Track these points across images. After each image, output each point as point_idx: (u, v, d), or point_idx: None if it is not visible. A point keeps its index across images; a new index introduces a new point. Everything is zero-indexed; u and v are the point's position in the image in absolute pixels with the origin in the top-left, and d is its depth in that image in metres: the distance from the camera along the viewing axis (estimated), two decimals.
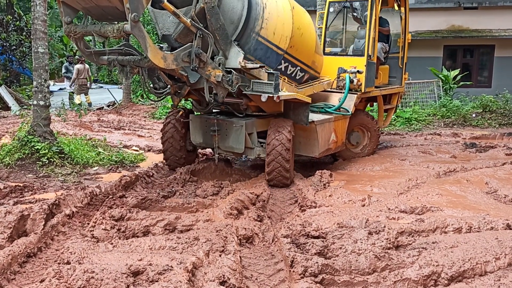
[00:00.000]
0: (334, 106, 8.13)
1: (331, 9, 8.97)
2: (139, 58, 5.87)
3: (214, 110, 7.59)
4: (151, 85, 6.91)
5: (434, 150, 9.60)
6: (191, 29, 5.77)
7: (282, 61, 6.94)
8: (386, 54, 9.41)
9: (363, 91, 8.39)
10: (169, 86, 6.93)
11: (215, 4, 5.87)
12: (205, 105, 7.28)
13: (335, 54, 9.00)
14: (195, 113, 7.69)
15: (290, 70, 7.16)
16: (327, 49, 9.12)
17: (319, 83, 8.09)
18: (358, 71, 8.28)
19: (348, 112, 8.17)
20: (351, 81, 8.26)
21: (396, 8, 9.22)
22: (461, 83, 16.06)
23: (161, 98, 7.25)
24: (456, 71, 16.21)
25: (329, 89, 8.48)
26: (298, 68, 7.29)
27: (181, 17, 5.57)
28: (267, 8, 6.58)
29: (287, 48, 6.83)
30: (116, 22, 5.50)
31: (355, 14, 8.91)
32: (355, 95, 8.32)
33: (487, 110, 13.63)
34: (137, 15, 4.97)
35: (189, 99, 7.96)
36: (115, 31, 5.23)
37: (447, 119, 13.44)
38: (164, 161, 7.88)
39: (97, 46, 16.26)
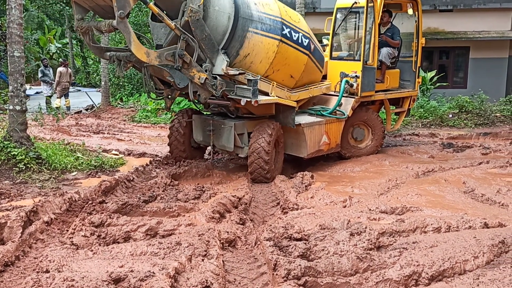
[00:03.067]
0: (330, 109, 8.38)
1: (339, 15, 9.11)
2: (130, 54, 6.47)
3: (211, 111, 8.25)
4: (153, 86, 7.47)
5: (412, 150, 9.74)
6: (179, 37, 6.40)
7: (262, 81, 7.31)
8: (394, 59, 9.53)
9: (359, 95, 8.58)
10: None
11: (199, 17, 6.44)
12: (207, 106, 7.94)
13: (341, 58, 9.17)
14: (205, 113, 8.45)
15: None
16: (335, 54, 9.29)
17: (316, 87, 8.42)
18: (356, 76, 8.45)
19: (345, 115, 8.45)
20: (351, 85, 8.51)
21: (410, 12, 9.36)
22: (438, 84, 16.35)
23: (161, 97, 7.76)
24: (433, 73, 16.50)
25: (330, 93, 8.79)
26: (280, 86, 7.69)
27: (165, 19, 6.21)
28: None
29: (263, 74, 7.28)
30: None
31: (357, 20, 9.05)
32: (353, 99, 8.58)
33: (463, 110, 13.90)
34: (123, 13, 5.73)
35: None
36: (106, 26, 6.14)
37: (424, 120, 13.66)
38: (169, 153, 8.53)
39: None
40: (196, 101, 7.03)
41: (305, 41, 7.64)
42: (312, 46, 7.87)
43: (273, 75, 7.41)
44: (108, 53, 6.92)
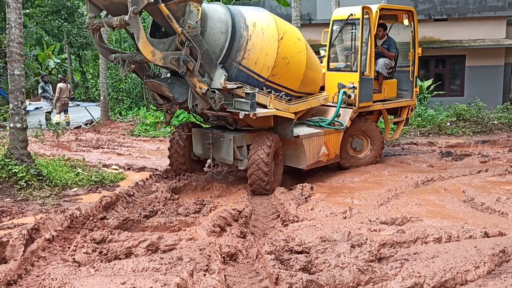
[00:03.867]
0: (328, 120, 8.45)
1: (335, 27, 9.21)
2: (135, 53, 6.72)
3: (211, 124, 8.33)
4: (154, 100, 7.69)
5: (411, 159, 9.77)
6: (180, 43, 6.52)
7: (264, 88, 7.42)
8: (391, 69, 9.61)
9: (357, 106, 8.65)
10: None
11: (197, 33, 6.62)
12: (206, 119, 8.05)
13: (338, 70, 9.25)
14: (204, 126, 8.58)
15: (275, 93, 7.57)
16: (332, 65, 9.36)
17: (314, 98, 8.50)
18: (354, 87, 8.54)
19: (343, 126, 8.51)
20: (349, 96, 8.59)
21: (406, 23, 9.47)
22: (435, 92, 16.44)
23: (161, 109, 7.86)
24: (430, 81, 16.60)
25: (328, 104, 8.85)
26: (283, 93, 7.75)
27: (173, 22, 6.35)
28: (251, 40, 7.10)
29: (268, 76, 7.37)
30: None
31: (354, 31, 9.14)
32: (351, 110, 8.65)
33: (461, 118, 13.96)
34: (136, 8, 5.94)
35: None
36: (118, 21, 6.28)
37: (422, 128, 13.71)
38: (169, 166, 8.58)
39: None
40: (194, 111, 7.12)
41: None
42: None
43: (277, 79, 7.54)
44: (113, 55, 7.06)
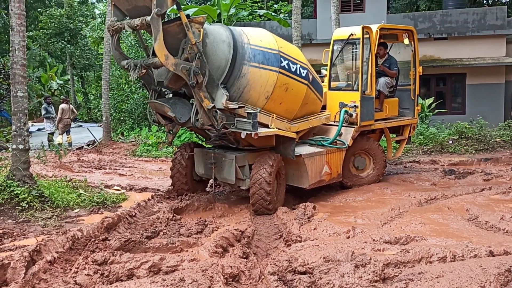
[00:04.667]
0: (330, 139, 8.45)
1: (336, 47, 9.30)
2: (147, 58, 6.91)
3: (213, 144, 8.34)
4: (155, 120, 7.79)
5: (414, 178, 9.74)
6: (179, 75, 6.60)
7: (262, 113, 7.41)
8: (392, 88, 9.66)
9: (359, 124, 8.69)
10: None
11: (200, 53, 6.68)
12: (208, 138, 8.04)
13: (339, 89, 9.31)
14: (206, 146, 8.65)
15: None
16: (333, 84, 9.42)
17: (316, 117, 8.53)
18: (355, 106, 8.58)
19: (345, 145, 8.52)
20: (350, 115, 8.62)
21: (406, 42, 9.56)
22: (436, 110, 16.48)
23: (167, 123, 7.81)
24: (431, 99, 16.67)
25: (330, 123, 8.88)
26: (280, 118, 7.77)
27: (190, 32, 6.51)
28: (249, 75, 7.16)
29: (263, 107, 7.40)
30: None
31: (355, 51, 9.23)
32: (353, 129, 8.68)
33: (463, 136, 13.96)
34: (160, 10, 6.18)
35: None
36: (140, 21, 6.49)
37: (424, 147, 13.70)
38: (171, 186, 8.56)
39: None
40: (194, 126, 7.14)
41: (303, 72, 7.77)
42: (311, 77, 8.00)
43: (273, 107, 7.50)
44: (126, 61, 7.13)
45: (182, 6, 6.92)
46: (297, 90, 7.74)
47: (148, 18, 6.28)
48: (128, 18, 7.03)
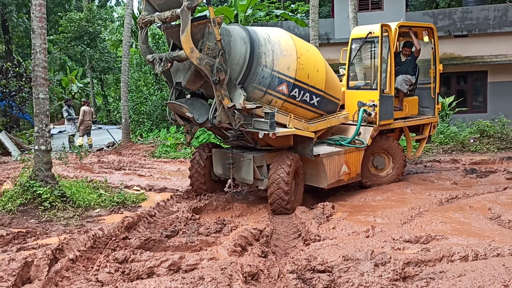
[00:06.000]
0: (348, 139, 8.39)
1: (354, 45, 9.24)
2: (173, 52, 6.98)
3: (231, 145, 8.41)
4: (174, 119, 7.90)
5: (434, 177, 9.61)
6: (198, 76, 6.78)
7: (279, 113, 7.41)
8: (412, 86, 9.55)
9: (377, 124, 8.61)
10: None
11: (216, 54, 6.73)
12: (226, 138, 8.10)
13: (358, 88, 9.24)
14: (224, 146, 8.71)
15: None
16: (352, 83, 9.36)
17: (334, 117, 8.47)
18: (374, 105, 8.51)
19: (364, 144, 8.45)
20: (369, 114, 8.55)
21: (426, 40, 9.44)
22: (457, 109, 16.23)
23: (180, 128, 7.97)
24: (451, 98, 16.42)
25: (349, 122, 8.81)
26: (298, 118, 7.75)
27: (216, 29, 6.60)
28: (270, 59, 7.19)
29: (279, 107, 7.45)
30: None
31: (373, 49, 9.16)
32: (372, 128, 8.60)
33: (484, 135, 13.71)
34: (190, 3, 6.36)
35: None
36: (170, 13, 6.70)
37: (445, 146, 13.51)
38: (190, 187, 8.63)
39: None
40: (211, 124, 7.18)
41: (315, 100, 7.77)
42: (323, 103, 7.96)
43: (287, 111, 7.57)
44: (151, 55, 7.24)
45: (199, 8, 6.98)
46: (303, 112, 7.83)
47: (178, 10, 6.42)
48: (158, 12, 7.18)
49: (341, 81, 9.28)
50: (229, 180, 8.17)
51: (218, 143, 8.90)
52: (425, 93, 9.88)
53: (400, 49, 9.53)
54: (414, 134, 9.98)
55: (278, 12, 20.32)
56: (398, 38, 9.02)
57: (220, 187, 8.77)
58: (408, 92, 9.51)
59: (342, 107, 9.10)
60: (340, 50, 9.82)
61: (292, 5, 24.27)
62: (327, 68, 7.99)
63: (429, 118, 9.78)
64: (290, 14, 19.69)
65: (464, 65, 17.38)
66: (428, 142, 10.26)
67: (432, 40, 9.54)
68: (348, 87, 9.32)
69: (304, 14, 22.45)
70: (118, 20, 32.60)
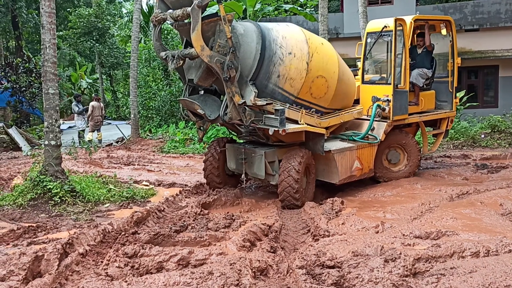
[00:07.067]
0: (362, 134, 8.34)
1: (369, 39, 9.14)
2: (185, 49, 7.00)
3: (244, 140, 8.48)
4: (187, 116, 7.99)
5: (445, 172, 9.53)
6: (209, 73, 6.80)
7: (294, 104, 7.45)
8: (428, 80, 9.42)
9: (391, 119, 8.52)
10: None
11: (227, 52, 6.73)
12: (239, 133, 8.06)
13: (373, 82, 9.14)
14: (238, 141, 8.76)
15: (305, 110, 7.62)
16: (367, 78, 9.26)
17: (348, 112, 8.43)
18: (388, 100, 8.42)
19: (377, 139, 8.38)
20: (383, 109, 8.47)
21: (444, 32, 9.28)
22: (468, 104, 16.07)
23: (188, 123, 8.07)
24: (462, 93, 16.24)
25: (363, 117, 8.73)
26: (313, 109, 7.76)
27: (227, 26, 6.64)
28: (281, 56, 7.22)
29: (298, 94, 7.45)
30: None
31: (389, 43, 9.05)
32: (385, 123, 8.52)
33: (495, 130, 13.55)
34: (201, 2, 6.38)
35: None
36: (181, 12, 6.73)
37: (455, 141, 13.38)
38: (205, 181, 8.68)
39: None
40: (222, 120, 7.22)
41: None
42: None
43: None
44: (164, 52, 7.29)
45: (210, 2, 6.99)
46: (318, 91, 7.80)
47: (189, 9, 6.45)
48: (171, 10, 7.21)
49: (356, 75, 9.17)
50: (242, 175, 8.19)
51: (232, 137, 8.91)
52: (442, 87, 9.70)
53: (417, 42, 9.37)
54: (431, 129, 9.85)
55: (287, 6, 20.24)
56: (415, 31, 8.84)
57: (234, 181, 8.79)
58: (425, 86, 9.37)
59: (357, 101, 9.02)
60: (349, 45, 9.74)
61: (301, 0, 24.16)
62: (340, 64, 7.94)
63: (446, 112, 9.62)
64: (299, 8, 19.60)
65: (475, 60, 17.19)
66: (445, 136, 10.11)
67: (450, 33, 9.36)
68: (363, 82, 9.20)
69: (313, 9, 22.36)
70: (127, 16, 32.61)
